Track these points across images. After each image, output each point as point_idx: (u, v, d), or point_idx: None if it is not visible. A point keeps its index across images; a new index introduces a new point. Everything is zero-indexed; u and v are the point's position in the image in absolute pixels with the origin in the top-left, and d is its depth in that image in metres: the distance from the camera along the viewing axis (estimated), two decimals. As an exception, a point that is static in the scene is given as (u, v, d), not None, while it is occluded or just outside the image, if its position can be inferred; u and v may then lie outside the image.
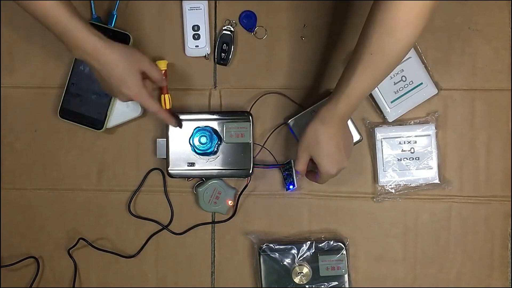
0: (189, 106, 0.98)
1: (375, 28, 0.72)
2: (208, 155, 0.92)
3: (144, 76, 0.86)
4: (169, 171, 0.94)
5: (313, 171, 0.89)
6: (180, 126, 0.92)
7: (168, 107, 0.95)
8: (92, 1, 0.98)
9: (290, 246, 0.94)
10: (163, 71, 0.94)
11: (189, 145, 0.90)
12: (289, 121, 0.95)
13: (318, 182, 0.87)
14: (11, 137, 1.01)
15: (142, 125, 0.98)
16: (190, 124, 0.93)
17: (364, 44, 0.73)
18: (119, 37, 0.95)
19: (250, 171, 0.92)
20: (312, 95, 0.97)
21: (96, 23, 0.97)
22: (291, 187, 0.94)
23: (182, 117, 0.94)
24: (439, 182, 0.94)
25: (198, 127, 0.90)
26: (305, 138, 0.83)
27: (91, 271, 1.00)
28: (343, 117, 0.80)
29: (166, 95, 0.95)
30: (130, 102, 0.95)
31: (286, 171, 0.95)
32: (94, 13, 0.98)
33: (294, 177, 0.94)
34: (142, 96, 0.84)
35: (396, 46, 0.72)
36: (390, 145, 0.95)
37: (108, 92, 0.88)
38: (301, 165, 0.85)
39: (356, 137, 0.94)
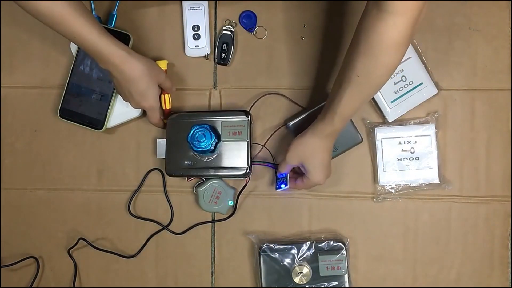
0: (189, 106, 0.98)
1: (360, 53, 0.74)
2: (206, 153, 0.92)
3: None
4: (168, 170, 0.94)
5: (293, 177, 0.93)
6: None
7: (168, 107, 0.95)
8: (92, 1, 0.98)
9: (290, 246, 0.94)
10: (164, 71, 0.94)
11: (187, 143, 0.90)
12: (290, 123, 0.95)
13: (298, 187, 0.92)
14: (11, 137, 1.01)
15: (142, 125, 0.98)
16: (188, 122, 0.93)
17: (350, 66, 0.76)
18: (119, 37, 0.95)
19: (248, 170, 0.92)
20: (312, 95, 0.97)
21: (96, 23, 0.97)
22: (282, 186, 0.94)
23: (181, 115, 0.94)
24: (439, 182, 0.94)
25: (196, 125, 0.91)
26: (299, 147, 0.87)
27: (91, 271, 1.00)
28: (337, 132, 0.85)
29: (167, 95, 0.95)
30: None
31: None
32: (94, 13, 0.98)
33: (288, 177, 0.94)
34: (154, 108, 0.90)
35: (381, 69, 0.75)
36: (390, 145, 0.95)
37: (122, 97, 0.91)
38: (286, 169, 0.91)
39: (356, 139, 0.95)
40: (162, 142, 0.95)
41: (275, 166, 0.96)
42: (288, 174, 0.93)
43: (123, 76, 0.84)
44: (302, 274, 0.94)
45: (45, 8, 0.76)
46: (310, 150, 0.86)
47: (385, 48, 0.72)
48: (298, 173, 0.92)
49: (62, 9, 0.77)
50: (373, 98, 0.95)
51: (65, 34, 0.80)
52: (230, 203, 0.95)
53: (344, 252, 0.93)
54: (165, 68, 0.95)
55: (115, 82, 0.87)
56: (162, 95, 0.95)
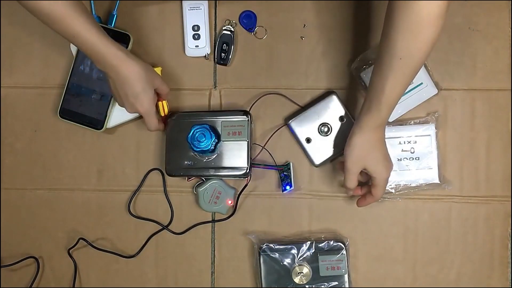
0: (189, 106, 0.98)
1: (399, 33, 0.73)
2: (206, 153, 0.92)
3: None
4: (168, 170, 0.94)
5: (364, 194, 0.90)
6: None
7: (165, 113, 0.95)
8: (92, 1, 0.98)
9: (290, 246, 0.94)
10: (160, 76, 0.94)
11: (187, 143, 0.90)
12: (290, 121, 0.95)
13: (375, 199, 0.88)
14: (11, 137, 1.01)
15: (142, 125, 0.98)
16: (188, 122, 0.93)
17: (391, 49, 0.75)
18: (119, 37, 0.95)
19: (247, 170, 0.92)
20: (312, 95, 0.97)
21: (96, 23, 0.97)
22: (287, 187, 0.94)
23: (181, 115, 0.95)
24: (439, 182, 0.94)
25: (196, 125, 0.91)
26: (355, 151, 0.84)
27: (91, 271, 1.00)
28: (385, 121, 0.83)
29: (164, 102, 0.95)
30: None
31: (284, 172, 0.95)
32: (94, 13, 0.98)
33: (292, 178, 0.94)
34: (150, 113, 0.89)
35: (423, 47, 0.74)
36: (390, 145, 0.95)
37: (117, 101, 0.91)
38: (353, 180, 0.86)
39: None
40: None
41: (276, 168, 0.96)
42: (353, 191, 0.89)
43: (119, 77, 0.84)
44: (302, 274, 0.94)
45: (45, 7, 0.76)
46: (367, 148, 0.84)
47: (426, 23, 0.70)
48: (362, 184, 0.90)
49: (62, 9, 0.77)
50: (373, 98, 0.95)
51: (64, 34, 0.80)
52: (229, 202, 0.96)
53: (344, 252, 0.93)
54: (160, 75, 0.95)
55: (111, 84, 0.87)
56: (159, 102, 0.94)
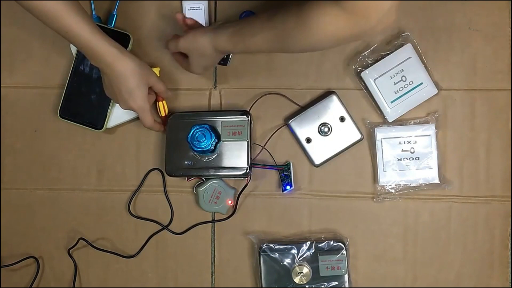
0: (189, 106, 0.98)
1: (296, 22, 0.73)
2: (206, 153, 0.92)
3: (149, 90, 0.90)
4: (167, 170, 0.94)
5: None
6: None
7: (164, 113, 0.96)
8: (92, 1, 0.98)
9: (290, 246, 0.94)
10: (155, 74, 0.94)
11: (187, 143, 0.91)
12: (290, 121, 0.95)
13: (179, 61, 0.94)
14: (11, 137, 1.01)
15: (142, 125, 0.98)
16: (188, 122, 0.93)
17: (282, 19, 0.75)
18: (119, 37, 0.95)
19: (247, 170, 0.92)
20: (312, 95, 0.97)
21: (96, 23, 0.96)
22: (288, 187, 0.94)
23: (181, 115, 0.95)
24: (439, 182, 0.94)
25: (196, 125, 0.91)
26: (193, 42, 0.87)
27: (91, 271, 1.00)
28: (224, 52, 0.87)
29: (163, 102, 0.95)
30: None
31: (284, 172, 0.95)
32: (94, 13, 0.98)
33: (292, 178, 0.94)
34: (144, 110, 0.89)
35: (305, 44, 0.74)
36: (390, 145, 0.95)
37: (110, 97, 0.91)
38: (173, 49, 0.91)
39: (356, 136, 0.95)
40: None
41: (276, 168, 0.96)
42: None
43: (114, 74, 0.84)
44: (302, 274, 0.94)
45: (39, 4, 0.77)
46: (202, 49, 0.86)
47: (322, 35, 0.70)
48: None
49: (56, 5, 0.77)
50: (373, 98, 0.95)
51: (58, 30, 0.80)
52: (229, 202, 0.96)
53: (344, 252, 0.93)
54: (158, 75, 0.95)
55: (106, 80, 0.87)
56: (158, 102, 0.95)
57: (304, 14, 0.71)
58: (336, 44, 0.72)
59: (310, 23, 0.70)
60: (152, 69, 0.94)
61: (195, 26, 0.92)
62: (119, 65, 0.83)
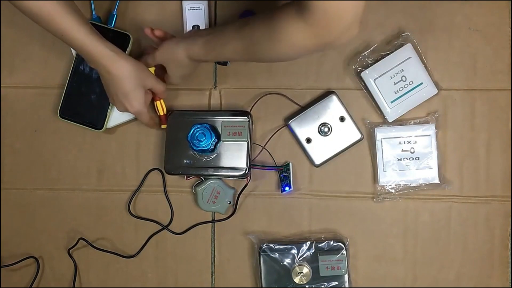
0: (189, 106, 0.98)
1: (264, 32, 0.73)
2: (205, 153, 0.92)
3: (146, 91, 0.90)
4: (167, 168, 0.94)
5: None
6: None
7: (163, 113, 0.95)
8: (92, 1, 0.98)
9: (290, 246, 0.94)
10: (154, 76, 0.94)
11: (187, 142, 0.91)
12: (290, 122, 0.95)
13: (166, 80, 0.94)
14: (11, 137, 1.01)
15: (142, 125, 0.98)
16: (188, 121, 0.93)
17: (252, 29, 0.76)
18: (119, 37, 0.95)
19: (247, 171, 0.92)
20: (312, 95, 0.97)
21: (96, 23, 0.97)
22: (286, 188, 0.94)
23: (181, 114, 0.95)
24: (439, 182, 0.94)
25: (197, 124, 0.91)
26: (168, 54, 0.88)
27: (91, 271, 1.00)
28: (188, 56, 0.85)
29: (161, 101, 0.95)
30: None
31: (284, 172, 0.95)
32: (94, 13, 0.98)
33: (291, 179, 0.94)
34: (141, 113, 0.89)
35: (273, 54, 0.75)
36: (390, 145, 0.95)
37: (110, 100, 0.91)
38: (149, 62, 0.91)
39: (356, 136, 0.95)
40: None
41: (275, 168, 0.96)
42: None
43: (109, 76, 0.84)
44: (302, 274, 0.94)
45: (34, 6, 0.76)
46: (177, 59, 0.87)
47: (290, 46, 0.71)
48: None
49: (51, 7, 0.77)
50: (373, 98, 0.95)
51: (54, 33, 0.80)
52: (229, 202, 0.95)
53: (344, 252, 0.93)
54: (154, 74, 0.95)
55: (103, 82, 0.87)
56: (155, 102, 0.94)
57: (270, 27, 0.72)
58: (302, 55, 0.73)
59: (276, 35, 0.71)
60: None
61: (166, 36, 0.92)
62: (114, 67, 0.83)
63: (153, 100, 0.94)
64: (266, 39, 0.73)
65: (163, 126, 0.96)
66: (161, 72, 0.92)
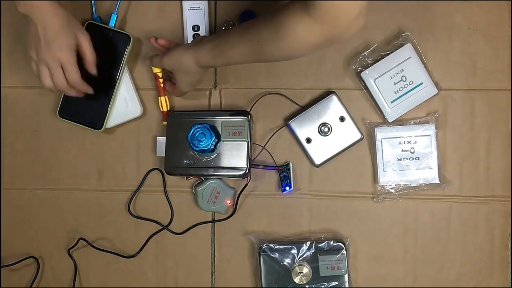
0: (189, 106, 0.98)
1: (270, 32, 0.73)
2: (205, 153, 0.92)
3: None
4: (167, 168, 0.94)
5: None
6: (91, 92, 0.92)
7: (166, 109, 0.96)
8: (92, 1, 0.98)
9: (290, 246, 0.94)
10: (159, 73, 0.95)
11: (187, 143, 0.91)
12: (290, 122, 0.95)
13: (168, 90, 0.95)
14: (11, 137, 1.01)
15: (142, 125, 0.99)
16: (188, 121, 0.93)
17: (257, 31, 0.76)
18: (120, 37, 0.95)
19: (247, 171, 0.92)
20: (312, 95, 0.97)
21: (97, 23, 0.97)
22: (287, 188, 0.94)
23: (181, 114, 0.95)
24: (439, 182, 0.94)
25: (197, 124, 0.91)
26: (175, 60, 0.87)
27: (91, 271, 1.00)
28: (197, 62, 0.84)
29: (166, 97, 0.96)
30: (129, 102, 0.96)
31: (284, 172, 0.95)
32: (94, 13, 0.98)
33: (291, 179, 0.94)
34: (70, 60, 0.84)
35: (281, 53, 0.75)
36: (390, 145, 0.95)
37: (34, 52, 0.85)
38: (157, 65, 0.91)
39: (356, 136, 0.95)
40: (162, 140, 0.95)
41: (275, 168, 0.96)
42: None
43: (40, 14, 0.80)
44: (302, 274, 0.94)
45: None
46: (186, 67, 0.86)
47: (298, 42, 0.71)
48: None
49: None
50: (373, 98, 0.95)
51: None
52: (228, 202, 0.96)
53: (344, 252, 0.93)
54: (160, 76, 0.95)
55: (31, 28, 0.82)
56: (160, 97, 0.95)
57: (277, 25, 0.72)
58: (311, 51, 0.73)
59: (284, 33, 0.71)
60: (154, 69, 0.94)
61: (170, 44, 0.92)
62: (48, 5, 0.80)
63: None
64: (274, 38, 0.73)
65: (164, 123, 0.96)
66: (169, 87, 0.94)
